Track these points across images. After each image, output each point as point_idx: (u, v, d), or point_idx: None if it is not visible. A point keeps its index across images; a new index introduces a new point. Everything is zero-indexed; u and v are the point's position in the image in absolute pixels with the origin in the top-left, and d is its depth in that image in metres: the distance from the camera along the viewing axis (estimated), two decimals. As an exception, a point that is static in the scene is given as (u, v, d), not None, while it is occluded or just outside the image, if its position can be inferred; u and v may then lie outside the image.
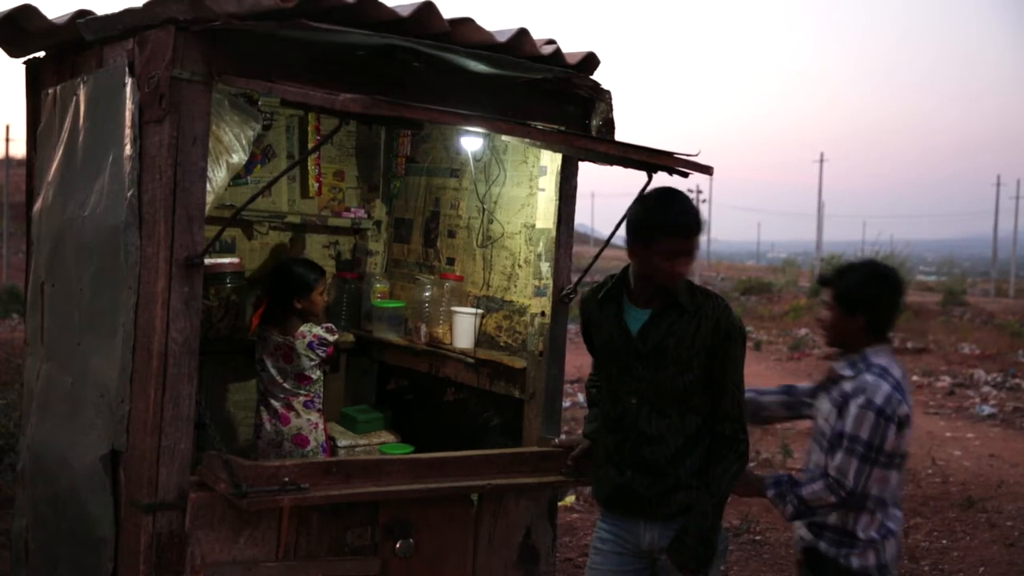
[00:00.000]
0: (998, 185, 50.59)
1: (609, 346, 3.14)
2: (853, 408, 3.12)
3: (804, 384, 3.57)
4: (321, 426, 4.35)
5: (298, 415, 4.27)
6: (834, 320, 3.29)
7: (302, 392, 4.28)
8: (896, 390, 3.12)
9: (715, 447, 3.06)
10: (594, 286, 3.31)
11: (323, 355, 4.26)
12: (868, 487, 3.14)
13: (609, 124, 3.75)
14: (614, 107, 3.75)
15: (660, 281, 3.02)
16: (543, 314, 3.97)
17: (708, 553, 2.99)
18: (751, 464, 3.36)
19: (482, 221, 4.46)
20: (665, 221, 2.97)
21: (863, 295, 3.24)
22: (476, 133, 4.09)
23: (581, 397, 11.04)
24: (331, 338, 4.27)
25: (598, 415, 3.34)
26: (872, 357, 3.22)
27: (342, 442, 4.59)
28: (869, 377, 3.15)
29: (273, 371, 4.26)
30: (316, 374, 4.31)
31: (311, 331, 4.23)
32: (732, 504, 7.20)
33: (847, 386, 3.19)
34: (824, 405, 3.29)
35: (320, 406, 4.36)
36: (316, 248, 5.03)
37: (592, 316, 3.23)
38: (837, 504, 3.16)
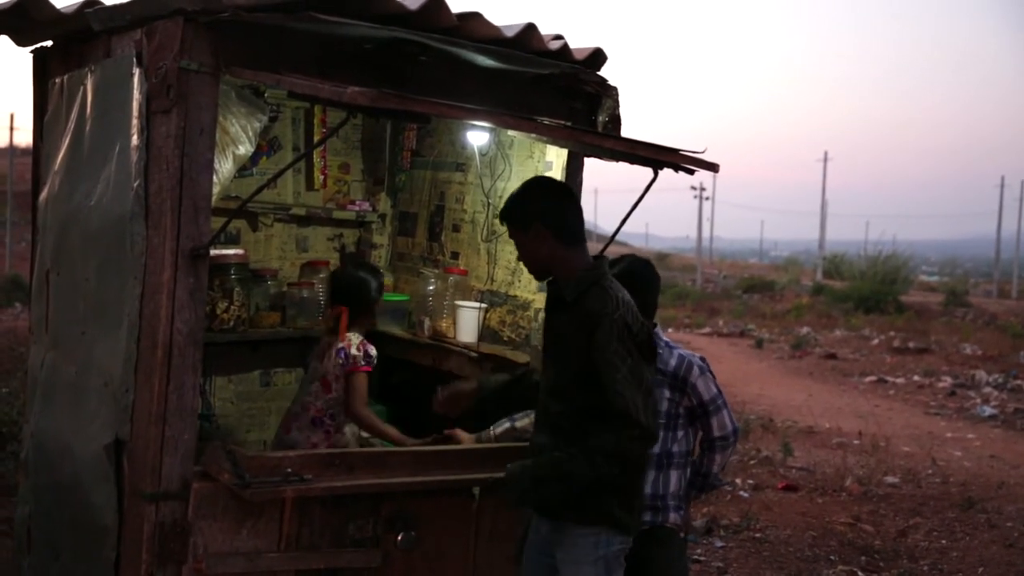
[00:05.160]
0: (1002, 186, 50.57)
1: None
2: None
3: None
4: (322, 448, 3.95)
5: (300, 430, 4.02)
6: None
7: (317, 402, 4.02)
8: None
9: (581, 448, 2.89)
10: None
11: (342, 365, 3.97)
12: None
13: (615, 120, 3.75)
14: (620, 103, 3.75)
15: None
16: (547, 309, 3.97)
17: (512, 489, 3.01)
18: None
19: (487, 215, 4.46)
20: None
21: (627, 284, 3.47)
22: (482, 128, 4.09)
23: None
24: (355, 352, 3.96)
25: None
26: (664, 336, 3.66)
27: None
28: (679, 349, 3.68)
29: (308, 372, 4.10)
30: (337, 390, 4.01)
31: (352, 339, 3.99)
32: (732, 502, 7.22)
33: (658, 363, 3.44)
34: None
35: (329, 427, 4.03)
36: (321, 241, 5.04)
37: None
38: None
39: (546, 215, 3.04)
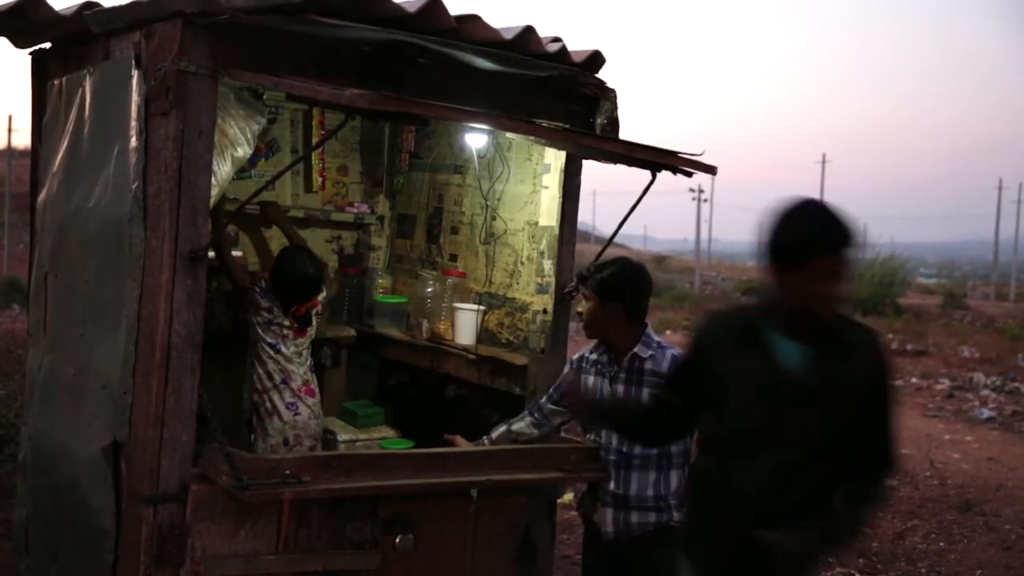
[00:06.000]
0: (1000, 188, 50.56)
1: (755, 390, 2.63)
2: None
3: (544, 399, 3.78)
4: None
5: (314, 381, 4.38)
6: (594, 309, 3.53)
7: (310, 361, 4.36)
8: None
9: (862, 492, 2.66)
10: (717, 317, 2.90)
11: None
12: None
13: (614, 122, 3.75)
14: (619, 105, 3.76)
15: (814, 309, 2.55)
16: (545, 311, 3.97)
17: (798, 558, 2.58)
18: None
19: (485, 218, 4.46)
20: (816, 236, 2.49)
21: (619, 285, 3.50)
22: (481, 130, 4.09)
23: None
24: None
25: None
26: (656, 337, 3.59)
27: (342, 436, 4.58)
28: (672, 350, 3.55)
29: (292, 350, 4.23)
30: None
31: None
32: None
33: (650, 364, 3.49)
34: (617, 389, 3.53)
35: None
36: (319, 243, 5.04)
37: (719, 355, 2.72)
38: None
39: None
